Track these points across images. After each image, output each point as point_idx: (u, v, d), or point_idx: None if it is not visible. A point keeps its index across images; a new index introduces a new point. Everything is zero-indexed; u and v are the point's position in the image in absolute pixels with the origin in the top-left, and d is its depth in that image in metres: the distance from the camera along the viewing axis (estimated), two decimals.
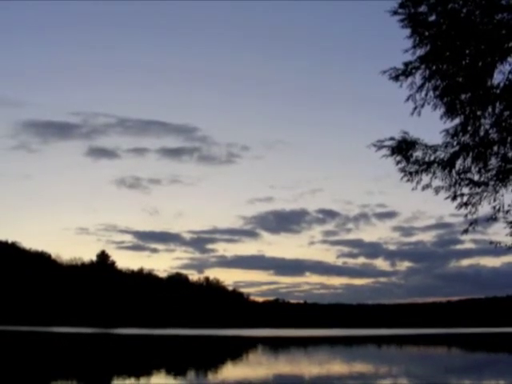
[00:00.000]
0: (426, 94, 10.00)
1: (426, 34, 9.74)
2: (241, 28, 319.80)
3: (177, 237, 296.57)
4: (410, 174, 10.48)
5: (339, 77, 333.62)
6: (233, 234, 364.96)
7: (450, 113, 9.87)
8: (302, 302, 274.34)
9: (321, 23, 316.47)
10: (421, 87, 10.06)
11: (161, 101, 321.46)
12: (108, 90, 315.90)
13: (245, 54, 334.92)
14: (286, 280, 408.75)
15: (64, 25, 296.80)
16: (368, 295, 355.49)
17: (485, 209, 10.70)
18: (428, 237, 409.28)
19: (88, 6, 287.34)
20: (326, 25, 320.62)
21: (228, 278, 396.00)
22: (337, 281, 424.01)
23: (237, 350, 55.85)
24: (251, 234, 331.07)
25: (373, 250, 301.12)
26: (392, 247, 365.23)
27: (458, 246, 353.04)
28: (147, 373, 28.18)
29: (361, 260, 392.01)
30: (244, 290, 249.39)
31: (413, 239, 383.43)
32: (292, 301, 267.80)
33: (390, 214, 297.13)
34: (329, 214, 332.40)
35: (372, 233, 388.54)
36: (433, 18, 9.68)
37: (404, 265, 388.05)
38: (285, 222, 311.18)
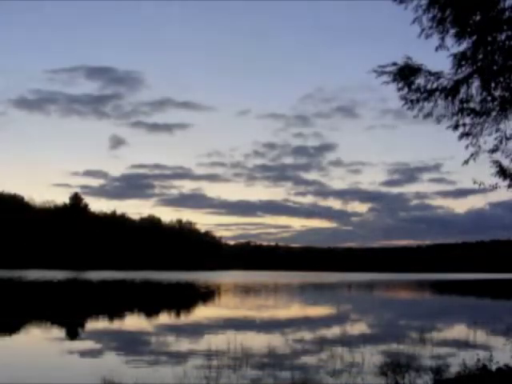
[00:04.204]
0: (434, 17, 9.46)
1: None
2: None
3: None
4: (411, 101, 10.08)
5: None
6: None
7: (458, 36, 9.36)
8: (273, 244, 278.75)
9: None
10: (427, 9, 9.51)
11: None
12: None
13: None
14: None
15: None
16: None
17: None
18: None
19: None
20: None
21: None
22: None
23: (209, 292, 56.40)
24: None
25: None
26: None
27: None
28: (120, 315, 28.07)
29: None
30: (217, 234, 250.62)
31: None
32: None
33: None
34: None
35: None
36: None
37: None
38: None
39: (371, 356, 15.70)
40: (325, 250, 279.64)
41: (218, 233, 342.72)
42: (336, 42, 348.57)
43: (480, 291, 67.89)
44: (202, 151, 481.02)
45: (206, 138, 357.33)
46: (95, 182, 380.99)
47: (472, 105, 10.13)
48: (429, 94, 10.06)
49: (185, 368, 13.54)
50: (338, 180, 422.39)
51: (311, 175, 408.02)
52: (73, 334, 20.93)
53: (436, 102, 10.05)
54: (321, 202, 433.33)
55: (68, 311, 29.31)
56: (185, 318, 27.06)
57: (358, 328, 23.92)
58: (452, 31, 9.32)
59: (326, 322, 26.38)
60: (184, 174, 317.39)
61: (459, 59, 9.50)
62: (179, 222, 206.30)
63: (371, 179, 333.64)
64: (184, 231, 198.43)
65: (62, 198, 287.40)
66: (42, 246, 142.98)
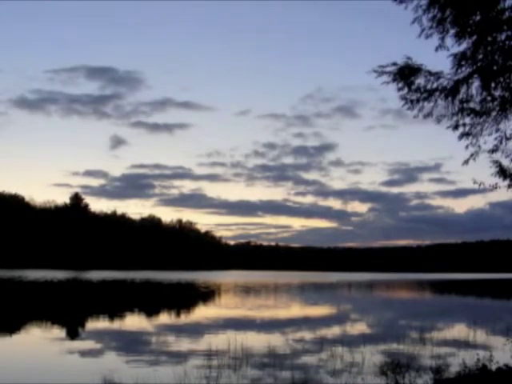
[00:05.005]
0: (434, 17, 9.44)
1: None
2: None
3: None
4: (411, 101, 10.07)
5: None
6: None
7: (458, 36, 9.35)
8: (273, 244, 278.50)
9: None
10: (427, 9, 9.49)
11: None
12: None
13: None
14: None
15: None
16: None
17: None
18: None
19: None
20: None
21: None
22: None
23: (209, 292, 56.32)
24: None
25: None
26: None
27: None
28: (120, 315, 28.04)
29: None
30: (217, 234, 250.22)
31: None
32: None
33: None
34: None
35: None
36: None
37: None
38: None
39: (371, 356, 15.70)
40: (325, 249, 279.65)
41: (218, 233, 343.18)
42: (336, 42, 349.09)
43: (480, 291, 67.85)
44: (202, 151, 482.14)
45: (206, 137, 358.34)
46: (95, 182, 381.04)
47: (472, 105, 10.11)
48: (429, 93, 10.04)
49: (185, 368, 13.53)
50: (338, 180, 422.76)
51: (311, 175, 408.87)
52: (73, 334, 20.92)
53: (436, 102, 10.04)
54: (321, 201, 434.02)
55: (68, 311, 29.31)
56: (185, 318, 27.05)
57: (357, 328, 23.90)
58: (452, 31, 9.31)
59: (326, 322, 26.37)
60: (184, 174, 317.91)
61: (459, 59, 9.49)
62: (179, 221, 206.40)
63: (371, 179, 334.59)
64: (184, 231, 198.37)
65: (62, 197, 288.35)
66: (42, 245, 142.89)
